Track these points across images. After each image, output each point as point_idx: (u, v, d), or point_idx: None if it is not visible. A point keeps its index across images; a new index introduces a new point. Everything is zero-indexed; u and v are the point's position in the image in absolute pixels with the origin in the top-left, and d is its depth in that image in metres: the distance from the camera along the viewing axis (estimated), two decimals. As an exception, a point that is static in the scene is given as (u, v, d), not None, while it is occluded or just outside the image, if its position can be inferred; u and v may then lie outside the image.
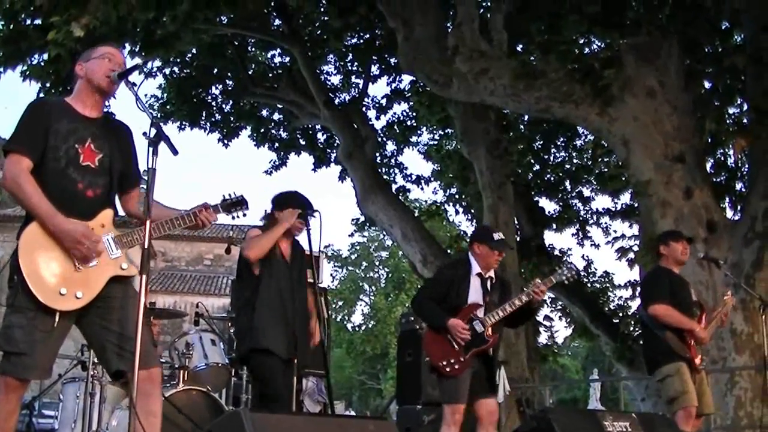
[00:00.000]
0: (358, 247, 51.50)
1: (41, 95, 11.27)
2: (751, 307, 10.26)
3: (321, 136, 19.67)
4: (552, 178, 18.98)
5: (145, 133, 4.11)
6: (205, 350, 7.65)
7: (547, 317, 19.69)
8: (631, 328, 17.23)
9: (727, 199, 15.31)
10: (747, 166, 14.12)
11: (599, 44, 14.24)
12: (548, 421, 6.15)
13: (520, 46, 14.97)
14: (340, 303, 50.30)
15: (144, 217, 4.06)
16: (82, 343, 7.31)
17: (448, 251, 17.02)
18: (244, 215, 4.72)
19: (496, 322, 6.47)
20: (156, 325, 8.83)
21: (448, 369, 6.37)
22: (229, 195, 4.67)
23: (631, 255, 15.08)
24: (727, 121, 15.09)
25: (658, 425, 6.69)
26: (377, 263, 52.43)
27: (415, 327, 10.34)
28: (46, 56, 10.78)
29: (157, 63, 16.37)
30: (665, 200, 10.86)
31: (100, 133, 4.38)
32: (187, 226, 4.46)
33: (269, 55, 18.74)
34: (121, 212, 4.62)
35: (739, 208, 14.53)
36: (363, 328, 50.93)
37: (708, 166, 14.30)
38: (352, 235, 45.67)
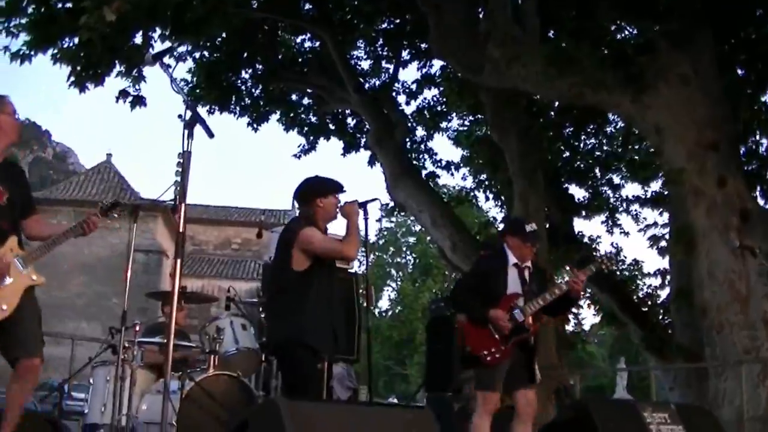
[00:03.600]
0: (385, 233, 51.45)
1: (72, 79, 11.32)
2: (786, 296, 10.15)
3: (351, 121, 19.57)
4: (582, 165, 18.82)
5: (180, 116, 4.12)
6: (236, 335, 7.65)
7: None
8: (661, 317, 17.14)
9: (758, 188, 15.16)
10: (779, 154, 14.01)
11: (632, 30, 14.08)
12: (587, 412, 6.09)
13: (552, 32, 14.84)
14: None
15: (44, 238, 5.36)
16: (110, 326, 7.40)
17: (477, 237, 16.98)
18: (122, 212, 5.76)
19: (537, 311, 6.47)
20: (184, 309, 8.86)
21: (489, 358, 6.36)
22: (103, 203, 5.64)
23: (663, 243, 14.98)
24: (760, 109, 14.95)
25: (696, 416, 6.63)
26: (405, 249, 52.39)
27: (446, 313, 10.29)
28: (77, 40, 10.81)
29: (188, 47, 16.38)
30: (698, 188, 10.71)
31: (3, 176, 5.24)
32: (77, 234, 5.38)
33: (299, 40, 18.61)
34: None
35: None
36: (390, 313, 50.91)
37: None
38: (380, 220, 45.46)
